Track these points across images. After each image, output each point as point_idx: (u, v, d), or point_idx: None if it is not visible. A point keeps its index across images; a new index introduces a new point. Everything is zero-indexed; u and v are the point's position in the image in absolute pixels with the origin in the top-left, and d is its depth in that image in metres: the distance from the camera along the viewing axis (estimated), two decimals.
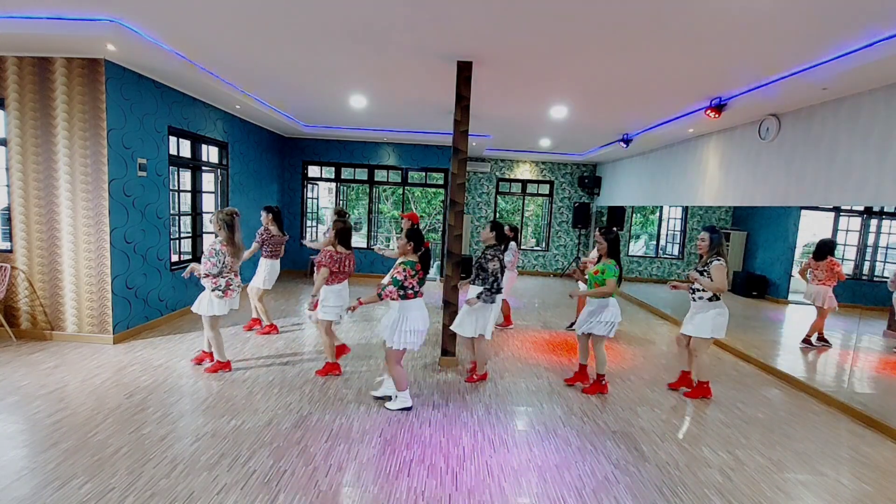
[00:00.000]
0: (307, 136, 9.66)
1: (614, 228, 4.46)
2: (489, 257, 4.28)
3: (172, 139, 5.89)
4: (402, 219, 6.33)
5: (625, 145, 8.19)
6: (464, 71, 4.53)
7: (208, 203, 7.19)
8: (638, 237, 11.53)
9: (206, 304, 4.13)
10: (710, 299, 4.14)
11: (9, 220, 4.87)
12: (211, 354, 4.48)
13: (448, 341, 4.84)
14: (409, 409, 3.80)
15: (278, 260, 5.58)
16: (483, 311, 4.33)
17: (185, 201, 7.10)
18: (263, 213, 5.55)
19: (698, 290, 4.19)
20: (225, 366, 4.41)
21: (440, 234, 10.42)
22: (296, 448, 3.14)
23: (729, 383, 4.82)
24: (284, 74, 5.41)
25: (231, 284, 4.16)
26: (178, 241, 6.80)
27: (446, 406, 3.93)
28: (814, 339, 5.68)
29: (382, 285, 3.64)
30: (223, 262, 4.06)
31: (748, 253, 7.01)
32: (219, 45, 4.50)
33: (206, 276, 4.05)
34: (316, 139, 9.85)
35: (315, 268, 4.25)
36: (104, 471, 2.77)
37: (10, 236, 4.89)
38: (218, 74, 5.53)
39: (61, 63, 4.61)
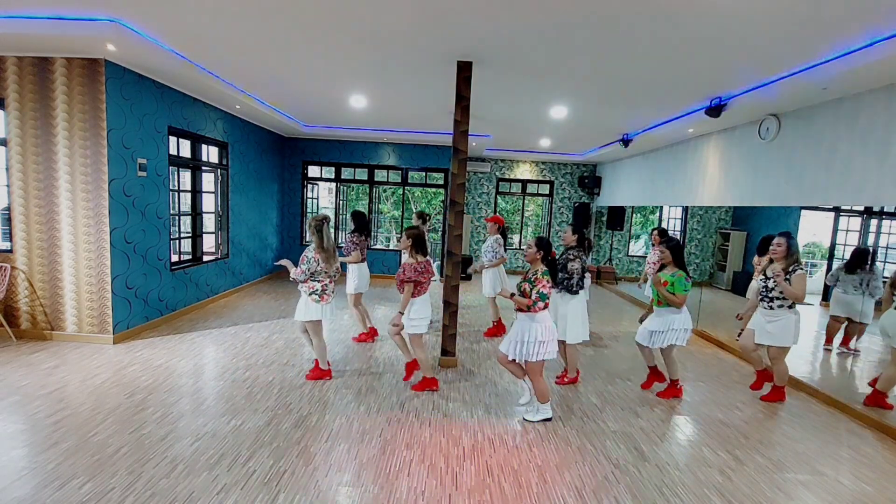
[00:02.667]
0: (307, 136, 9.66)
1: (673, 236, 4.40)
2: (571, 257, 4.30)
3: (172, 139, 5.89)
4: (487, 223, 6.21)
5: (624, 145, 8.19)
6: (464, 71, 4.53)
7: (208, 203, 7.19)
8: (638, 237, 11.54)
9: (304, 309, 4.10)
10: (789, 307, 4.08)
11: (9, 220, 4.88)
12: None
13: (448, 341, 4.84)
14: (549, 419, 3.76)
15: (365, 263, 5.47)
16: (565, 314, 4.27)
17: (185, 201, 7.10)
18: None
19: (778, 297, 4.09)
20: (325, 373, 4.32)
21: (440, 234, 10.41)
22: (296, 448, 3.14)
23: (729, 383, 4.82)
24: (284, 74, 5.41)
25: (327, 289, 4.15)
26: (178, 241, 6.80)
27: (446, 406, 3.93)
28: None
29: (524, 300, 3.53)
30: (311, 269, 4.05)
31: (748, 253, 7.00)
32: (219, 45, 4.50)
33: (294, 281, 4.09)
34: (316, 139, 9.85)
35: (398, 285, 4.07)
36: (104, 471, 2.77)
37: (10, 236, 4.90)
38: (218, 74, 5.53)
39: (61, 63, 4.61)
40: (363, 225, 5.47)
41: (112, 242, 4.86)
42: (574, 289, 4.29)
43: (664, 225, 10.14)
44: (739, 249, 7.14)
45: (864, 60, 3.64)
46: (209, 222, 7.37)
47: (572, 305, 4.35)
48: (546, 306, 3.55)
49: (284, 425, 3.43)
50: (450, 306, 4.73)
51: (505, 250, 6.06)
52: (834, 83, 4.21)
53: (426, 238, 4.31)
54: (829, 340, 5.33)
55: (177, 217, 6.63)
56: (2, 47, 4.48)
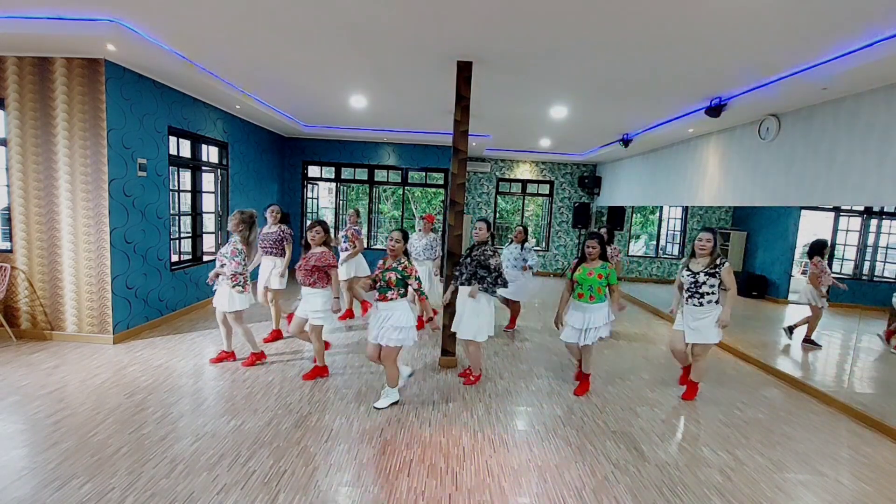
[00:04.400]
0: (307, 136, 9.66)
1: (596, 229, 4.40)
2: (490, 253, 4.26)
3: (172, 139, 5.89)
4: (422, 220, 6.23)
5: (624, 145, 8.20)
6: (464, 71, 4.53)
7: (208, 203, 7.19)
8: (638, 237, 11.52)
9: (229, 300, 4.35)
10: (716, 302, 4.09)
11: (9, 220, 4.87)
12: (232, 354, 4.66)
13: (448, 341, 4.84)
14: (396, 402, 3.88)
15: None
16: (482, 313, 4.27)
17: (185, 201, 7.10)
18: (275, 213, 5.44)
19: (707, 293, 4.05)
20: (260, 356, 4.63)
21: (440, 234, 10.41)
22: (296, 448, 3.14)
23: (729, 383, 4.82)
24: (284, 74, 5.41)
25: (248, 280, 4.49)
26: (178, 241, 6.80)
27: (446, 406, 3.93)
28: (807, 337, 5.75)
29: (420, 291, 3.77)
30: (245, 260, 4.43)
31: (748, 253, 7.00)
32: (219, 45, 4.50)
33: (234, 275, 4.32)
34: (316, 139, 9.85)
35: (310, 272, 4.14)
36: (104, 471, 2.77)
37: (10, 236, 4.89)
38: (218, 74, 5.53)
39: (61, 63, 4.61)
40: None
41: (112, 242, 4.86)
42: (497, 287, 4.26)
43: (665, 224, 10.14)
44: (739, 249, 7.14)
45: (864, 60, 3.64)
46: (209, 222, 7.37)
47: (484, 303, 4.26)
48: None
49: (284, 425, 3.43)
50: (450, 306, 4.73)
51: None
52: (834, 83, 4.21)
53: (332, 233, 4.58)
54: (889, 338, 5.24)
55: (177, 217, 6.63)
56: (2, 47, 4.47)
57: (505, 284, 4.29)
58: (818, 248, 5.50)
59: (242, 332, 4.50)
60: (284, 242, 5.34)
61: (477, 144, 9.37)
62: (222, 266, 4.35)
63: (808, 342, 5.71)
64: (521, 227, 6.28)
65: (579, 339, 4.17)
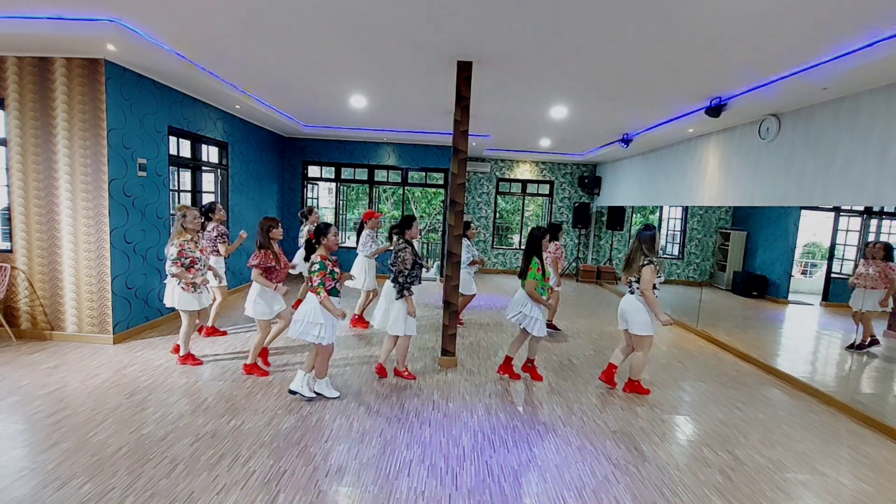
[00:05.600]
0: (307, 136, 9.66)
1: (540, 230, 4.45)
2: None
3: (172, 139, 5.90)
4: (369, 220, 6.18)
5: (624, 145, 8.20)
6: (464, 71, 4.53)
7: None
8: None
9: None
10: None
11: (9, 220, 4.88)
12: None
13: (448, 341, 4.84)
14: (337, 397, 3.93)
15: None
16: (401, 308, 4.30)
17: (185, 201, 7.09)
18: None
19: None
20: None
21: (440, 234, 10.41)
22: (296, 448, 3.14)
23: (729, 383, 4.82)
24: (284, 74, 5.41)
25: None
26: None
27: (446, 406, 3.93)
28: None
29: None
30: None
31: (748, 253, 7.00)
32: (219, 45, 4.50)
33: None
34: (316, 139, 9.85)
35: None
36: (104, 471, 2.77)
37: (10, 236, 4.90)
38: (218, 74, 5.53)
39: (61, 63, 4.61)
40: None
41: (112, 242, 4.86)
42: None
43: (665, 224, 10.13)
44: (739, 249, 7.14)
45: (864, 60, 3.65)
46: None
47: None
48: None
49: (284, 425, 3.43)
50: (450, 306, 4.73)
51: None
52: (834, 83, 4.21)
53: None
54: None
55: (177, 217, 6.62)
56: (2, 47, 4.48)
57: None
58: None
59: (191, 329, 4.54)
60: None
61: (477, 144, 9.38)
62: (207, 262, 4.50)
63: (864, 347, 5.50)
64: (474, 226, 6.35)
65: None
